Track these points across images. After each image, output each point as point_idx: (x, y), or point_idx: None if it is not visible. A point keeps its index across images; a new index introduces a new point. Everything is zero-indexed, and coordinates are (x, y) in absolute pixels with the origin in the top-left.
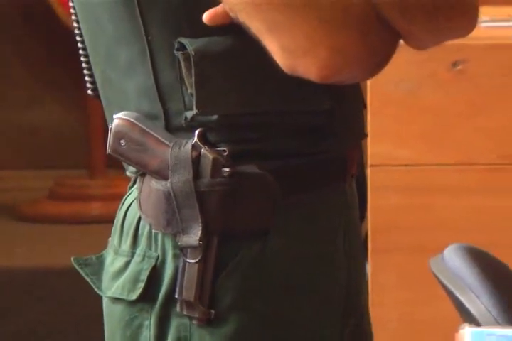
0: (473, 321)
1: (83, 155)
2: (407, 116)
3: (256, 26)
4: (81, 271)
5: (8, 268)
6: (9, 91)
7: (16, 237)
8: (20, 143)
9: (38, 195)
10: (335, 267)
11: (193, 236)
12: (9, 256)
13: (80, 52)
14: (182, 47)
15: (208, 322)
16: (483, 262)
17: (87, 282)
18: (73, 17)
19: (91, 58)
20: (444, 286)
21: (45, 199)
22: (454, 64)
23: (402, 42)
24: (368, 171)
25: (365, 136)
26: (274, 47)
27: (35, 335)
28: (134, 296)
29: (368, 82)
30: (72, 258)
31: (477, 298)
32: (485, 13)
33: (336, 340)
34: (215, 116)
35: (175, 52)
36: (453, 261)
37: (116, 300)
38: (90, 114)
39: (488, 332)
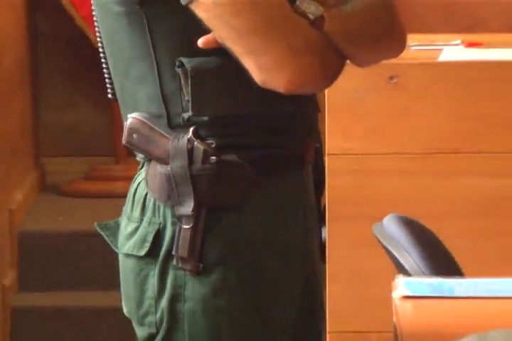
0: (406, 273)
1: (109, 146)
2: (356, 117)
3: (238, 50)
4: (102, 233)
5: (53, 231)
6: (52, 95)
7: (58, 208)
8: (62, 137)
9: (76, 177)
10: (296, 231)
11: (187, 208)
12: (54, 222)
13: (104, 66)
14: (182, 64)
15: (198, 273)
16: (413, 228)
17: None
18: (98, 39)
19: (112, 71)
20: (383, 246)
21: (81, 180)
22: (391, 77)
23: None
24: (326, 158)
25: (319, 133)
26: (251, 66)
27: (74, 283)
28: (142, 253)
29: (326, 91)
30: (95, 223)
31: (408, 255)
32: (413, 39)
33: (297, 291)
34: (205, 117)
35: (176, 68)
36: (390, 227)
37: (128, 255)
38: (114, 115)
39: (416, 281)
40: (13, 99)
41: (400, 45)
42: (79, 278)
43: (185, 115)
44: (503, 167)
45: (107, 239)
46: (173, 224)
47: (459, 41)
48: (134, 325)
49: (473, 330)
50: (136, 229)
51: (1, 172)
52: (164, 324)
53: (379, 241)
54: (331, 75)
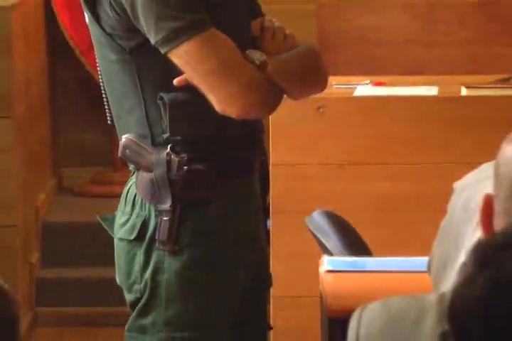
0: (329, 253)
1: (110, 159)
2: (293, 136)
3: (202, 87)
4: (102, 223)
5: (68, 222)
6: (67, 122)
7: (72, 205)
8: (74, 152)
9: (84, 182)
10: (248, 222)
11: (166, 205)
12: (68, 215)
13: (104, 99)
14: (161, 98)
15: (174, 253)
16: (335, 220)
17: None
18: (100, 79)
19: (110, 103)
20: (312, 233)
21: (88, 184)
22: (319, 108)
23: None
24: (270, 168)
25: (265, 148)
26: (212, 99)
27: (82, 259)
28: (132, 237)
29: (270, 117)
30: (97, 216)
31: (331, 240)
32: (335, 79)
33: (248, 266)
34: (179, 137)
35: (157, 101)
36: (318, 219)
37: (121, 239)
38: (113, 135)
39: (336, 259)
40: (38, 124)
41: (323, 84)
42: (86, 256)
43: (165, 136)
44: (396, 174)
45: (106, 227)
46: (156, 216)
47: (368, 81)
48: (124, 291)
49: (378, 296)
50: (128, 220)
51: (29, 179)
52: (147, 290)
53: (309, 229)
54: (272, 106)
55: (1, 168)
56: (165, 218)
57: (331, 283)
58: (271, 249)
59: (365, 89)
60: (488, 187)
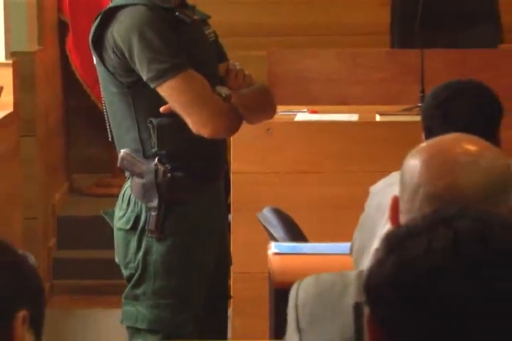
0: (275, 240)
1: (110, 167)
2: (249, 151)
3: (182, 114)
4: (104, 216)
5: (78, 216)
6: (78, 139)
7: (81, 203)
8: (83, 163)
9: (91, 185)
10: (216, 217)
11: (154, 203)
12: (78, 210)
13: (106, 122)
14: (151, 122)
15: (160, 239)
16: (280, 215)
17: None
18: (103, 107)
19: (111, 125)
20: (263, 225)
21: (93, 186)
22: (268, 129)
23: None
24: (232, 175)
25: (227, 160)
26: (189, 122)
27: (89, 245)
28: (127, 227)
29: (232, 136)
30: (101, 211)
31: (277, 230)
32: (280, 108)
33: (216, 250)
34: (164, 151)
35: (148, 124)
36: (267, 214)
37: (119, 229)
38: (112, 150)
39: (281, 244)
40: (55, 141)
41: (273, 112)
42: (91, 241)
43: (153, 150)
44: (330, 180)
45: (107, 219)
46: (146, 212)
47: (305, 110)
48: (122, 268)
49: (312, 272)
50: (124, 214)
51: (47, 183)
52: (139, 268)
53: (260, 222)
54: (235, 129)
55: (26, 174)
56: (153, 213)
57: (277, 263)
58: (231, 236)
59: (303, 115)
60: (395, 191)
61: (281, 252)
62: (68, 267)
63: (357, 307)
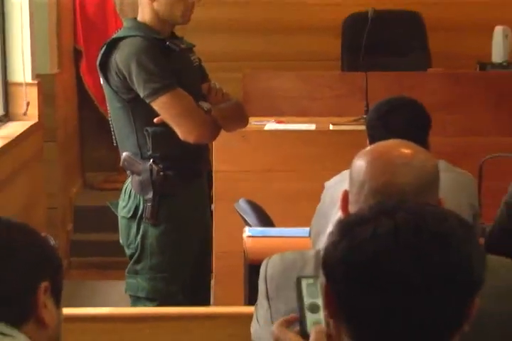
0: (249, 225)
1: (115, 166)
2: (229, 153)
3: (172, 124)
4: (110, 206)
5: (90, 205)
6: (90, 145)
7: (92, 196)
8: (94, 163)
9: (100, 181)
10: (201, 206)
11: (149, 196)
12: (90, 201)
13: (111, 130)
14: (147, 130)
15: (155, 225)
16: (253, 205)
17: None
18: (109, 118)
19: (115, 132)
20: (238, 213)
21: (101, 182)
22: (243, 136)
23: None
24: (214, 173)
25: (209, 161)
26: (178, 131)
27: (99, 229)
28: (128, 216)
29: (214, 142)
30: (108, 202)
31: (251, 218)
32: (252, 119)
33: (201, 234)
34: (158, 154)
35: (144, 132)
36: (242, 204)
37: (122, 217)
38: (117, 153)
39: (254, 228)
40: (71, 146)
41: (245, 123)
42: (101, 226)
43: (149, 153)
44: (293, 177)
45: (113, 209)
46: (143, 203)
47: (273, 120)
48: (125, 248)
49: (278, 251)
50: (126, 205)
51: (66, 179)
52: (138, 248)
53: (237, 211)
54: (215, 136)
55: (48, 172)
56: (149, 204)
57: (250, 243)
58: (213, 222)
59: (271, 125)
60: (345, 186)
61: (253, 235)
62: (82, 247)
63: (298, 281)
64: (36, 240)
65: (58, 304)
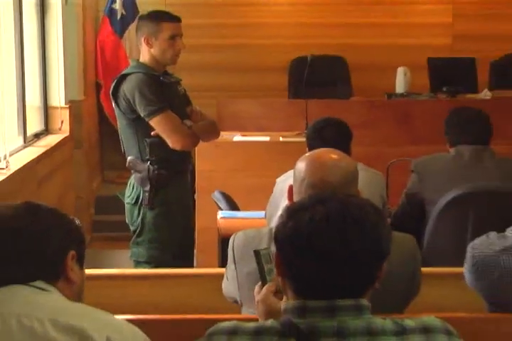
0: (221, 209)
1: (124, 167)
2: (209, 157)
3: (164, 136)
4: (119, 195)
5: (107, 195)
6: (108, 147)
7: (109, 188)
8: (111, 163)
9: (115, 177)
10: (187, 196)
11: (147, 188)
12: (107, 191)
13: (120, 139)
14: (146, 141)
15: (152, 209)
16: (225, 195)
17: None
18: (119, 130)
19: (123, 142)
20: (215, 202)
21: (115, 178)
22: (217, 145)
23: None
24: (196, 171)
25: (192, 162)
26: (168, 141)
27: (112, 213)
28: (132, 202)
29: (196, 148)
30: (117, 192)
31: (223, 204)
32: (224, 133)
33: (187, 219)
34: (154, 158)
35: (144, 142)
36: (217, 195)
37: (128, 203)
38: (124, 157)
39: (224, 212)
40: (93, 152)
41: (217, 135)
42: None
43: (147, 157)
44: (257, 175)
45: (121, 197)
46: (143, 193)
47: (239, 134)
48: (130, 226)
49: (242, 228)
50: (130, 194)
51: (90, 176)
52: (139, 226)
53: (213, 199)
54: (194, 145)
55: (76, 172)
56: (147, 194)
57: (223, 223)
58: (196, 208)
59: (238, 137)
60: (291, 181)
61: (225, 217)
62: (101, 225)
63: (256, 253)
64: (65, 220)
65: (82, 267)
